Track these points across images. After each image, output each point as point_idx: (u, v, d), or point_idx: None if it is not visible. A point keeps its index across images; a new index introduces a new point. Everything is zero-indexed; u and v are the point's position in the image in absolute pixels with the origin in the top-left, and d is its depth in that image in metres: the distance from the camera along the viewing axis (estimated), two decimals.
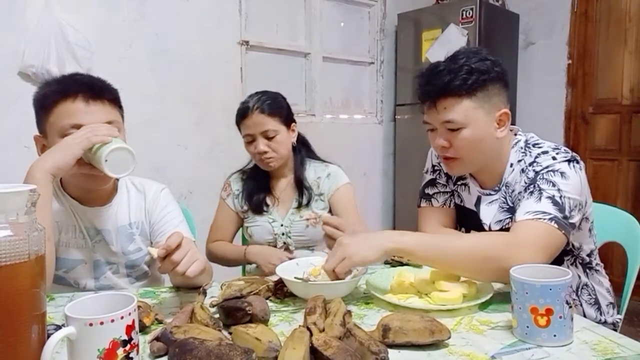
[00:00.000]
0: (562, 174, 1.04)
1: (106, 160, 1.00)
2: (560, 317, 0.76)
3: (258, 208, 1.56)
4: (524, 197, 1.06)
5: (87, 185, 1.15)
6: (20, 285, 0.61)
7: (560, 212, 0.99)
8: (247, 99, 1.53)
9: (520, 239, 0.96)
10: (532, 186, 1.06)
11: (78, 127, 1.07)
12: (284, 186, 1.59)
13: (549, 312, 0.76)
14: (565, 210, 1.00)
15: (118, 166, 1.03)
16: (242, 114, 1.51)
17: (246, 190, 1.59)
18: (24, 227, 0.62)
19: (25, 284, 0.62)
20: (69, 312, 0.63)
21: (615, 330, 1.19)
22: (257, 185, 1.58)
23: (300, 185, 1.56)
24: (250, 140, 1.52)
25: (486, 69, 1.08)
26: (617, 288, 1.26)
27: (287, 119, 1.54)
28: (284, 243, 1.55)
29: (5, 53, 2.02)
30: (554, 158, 1.08)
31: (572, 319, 0.78)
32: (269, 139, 1.49)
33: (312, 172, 1.60)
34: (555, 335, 0.76)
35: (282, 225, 1.55)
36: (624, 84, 3.11)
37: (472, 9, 3.00)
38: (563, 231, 0.98)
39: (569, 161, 1.07)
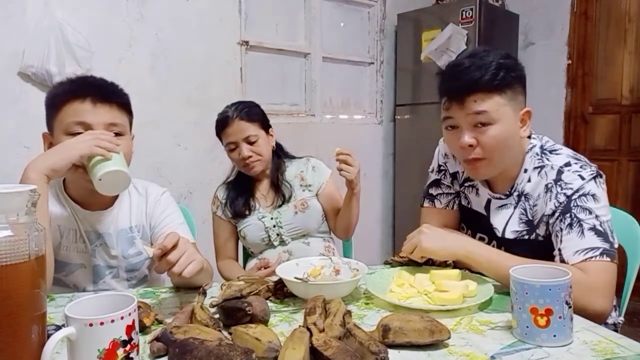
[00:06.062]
0: (593, 196, 1.03)
1: (100, 180, 0.99)
2: (560, 318, 0.76)
3: (244, 210, 1.61)
4: (562, 227, 1.03)
5: (89, 186, 1.15)
6: (20, 286, 0.61)
7: (606, 242, 1.00)
8: (224, 109, 1.59)
9: (593, 284, 0.96)
10: (568, 216, 1.03)
11: (82, 124, 1.08)
12: (267, 188, 1.65)
13: (548, 312, 0.76)
14: (609, 237, 1.01)
15: (110, 185, 1.02)
16: (223, 124, 1.57)
17: (231, 196, 1.64)
18: (24, 228, 0.62)
19: (25, 284, 0.62)
20: (69, 312, 0.63)
21: (616, 331, 1.19)
22: (241, 190, 1.64)
23: (277, 187, 1.62)
24: (233, 148, 1.58)
25: (512, 66, 1.09)
26: (617, 288, 1.26)
27: (265, 124, 1.62)
28: (277, 235, 1.58)
29: (5, 53, 2.02)
30: (581, 177, 1.05)
31: (571, 319, 0.78)
32: (251, 143, 1.56)
33: (294, 168, 1.68)
34: (555, 336, 0.76)
35: (271, 218, 1.59)
36: (623, 84, 3.11)
37: (471, 9, 3.00)
38: (615, 261, 0.99)
39: (594, 178, 1.05)
